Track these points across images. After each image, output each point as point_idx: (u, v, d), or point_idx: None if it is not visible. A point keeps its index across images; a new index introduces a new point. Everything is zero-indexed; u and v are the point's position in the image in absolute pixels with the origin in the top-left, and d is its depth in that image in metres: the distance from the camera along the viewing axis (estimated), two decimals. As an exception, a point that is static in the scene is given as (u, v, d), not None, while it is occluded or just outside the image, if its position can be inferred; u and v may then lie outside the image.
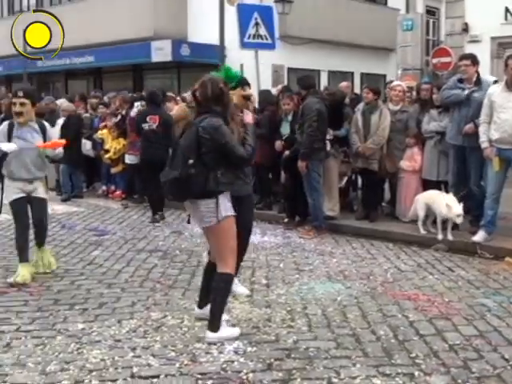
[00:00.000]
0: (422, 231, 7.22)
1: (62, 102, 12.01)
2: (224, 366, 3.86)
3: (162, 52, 17.59)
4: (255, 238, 7.44)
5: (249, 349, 4.11)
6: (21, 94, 5.60)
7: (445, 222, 6.94)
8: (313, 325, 4.57)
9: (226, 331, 4.29)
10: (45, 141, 5.74)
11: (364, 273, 5.98)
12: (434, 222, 7.13)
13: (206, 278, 4.61)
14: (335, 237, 7.54)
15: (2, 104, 13.65)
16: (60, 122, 10.80)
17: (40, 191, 5.81)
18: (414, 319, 4.68)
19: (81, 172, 10.98)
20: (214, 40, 14.53)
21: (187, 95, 9.54)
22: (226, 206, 4.25)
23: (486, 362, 3.94)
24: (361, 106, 8.31)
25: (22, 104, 5.59)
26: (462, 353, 4.07)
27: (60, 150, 5.92)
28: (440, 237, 6.94)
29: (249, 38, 11.52)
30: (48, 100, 12.55)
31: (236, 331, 4.36)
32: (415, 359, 3.97)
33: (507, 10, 14.42)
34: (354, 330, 4.47)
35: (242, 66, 14.59)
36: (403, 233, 7.37)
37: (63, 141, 5.99)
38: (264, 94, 9.59)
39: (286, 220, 8.22)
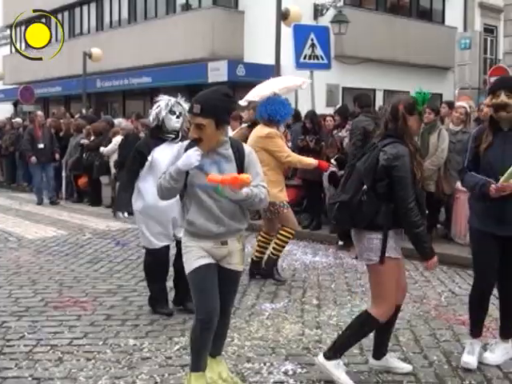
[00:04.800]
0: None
1: (121, 121, 12.30)
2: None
3: (217, 72, 17.83)
4: (306, 257, 7.43)
5: (299, 370, 4.07)
6: (197, 109, 3.39)
7: None
8: (364, 348, 4.48)
9: (337, 370, 3.85)
10: (240, 172, 3.48)
11: (417, 296, 5.86)
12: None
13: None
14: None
15: (63, 124, 14.17)
16: (118, 139, 11.07)
17: (235, 259, 3.62)
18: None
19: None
20: (269, 60, 14.64)
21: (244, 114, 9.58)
22: (391, 245, 3.77)
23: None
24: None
25: (198, 126, 3.42)
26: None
27: (256, 194, 3.49)
28: None
29: (304, 58, 11.56)
30: (105, 119, 12.94)
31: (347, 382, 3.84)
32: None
33: None
34: (406, 354, 4.37)
35: (296, 85, 14.68)
36: (458, 255, 7.19)
37: (247, 177, 3.34)
38: (311, 115, 9.49)
39: (340, 243, 8.07)
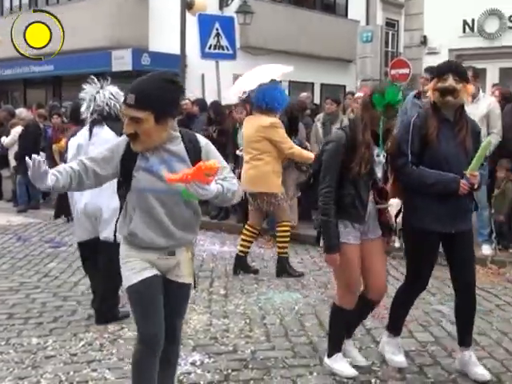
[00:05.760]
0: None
1: (22, 111, 11.83)
2: (181, 377, 3.82)
3: (122, 61, 17.48)
4: (214, 248, 7.46)
5: (206, 360, 4.10)
6: (131, 100, 2.82)
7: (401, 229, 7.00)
8: (271, 334, 4.58)
9: (337, 364, 3.91)
10: None
11: (322, 281, 6.04)
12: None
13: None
14: (294, 246, 7.53)
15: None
16: (18, 130, 10.66)
17: (185, 270, 3.06)
18: (371, 326, 4.73)
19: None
20: (175, 50, 14.49)
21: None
22: (341, 230, 3.71)
23: (441, 367, 4.02)
24: (321, 116, 8.39)
25: (134, 120, 2.84)
26: (418, 359, 4.14)
27: (228, 188, 2.89)
28: (397, 244, 6.98)
29: (209, 48, 11.56)
30: (6, 109, 12.38)
31: (350, 372, 3.87)
32: (372, 366, 4.01)
33: (465, 22, 14.75)
34: (311, 338, 4.50)
35: (203, 75, 14.63)
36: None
37: (216, 164, 2.72)
38: (214, 105, 9.52)
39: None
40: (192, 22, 12.33)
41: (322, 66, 20.02)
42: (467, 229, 3.86)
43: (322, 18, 20.72)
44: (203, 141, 3.02)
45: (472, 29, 14.50)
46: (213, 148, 3.04)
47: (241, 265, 6.33)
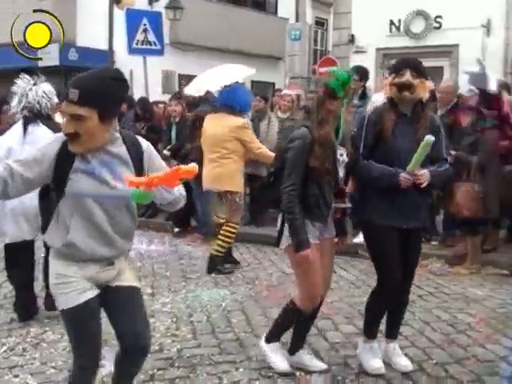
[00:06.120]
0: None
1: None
2: (105, 379, 3.75)
3: (48, 56, 16.93)
4: (141, 246, 7.37)
5: (130, 360, 4.03)
6: (74, 96, 2.60)
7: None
8: (197, 332, 4.57)
9: (275, 355, 3.91)
10: (140, 173, 2.76)
11: (249, 277, 6.08)
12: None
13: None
14: (224, 243, 7.58)
15: None
16: None
17: (125, 276, 2.89)
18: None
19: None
20: (103, 45, 14.26)
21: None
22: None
23: (364, 358, 4.10)
24: (249, 113, 8.42)
25: (75, 118, 2.63)
26: (343, 350, 4.23)
27: (181, 192, 2.82)
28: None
29: (136, 43, 11.43)
30: None
31: (284, 367, 3.87)
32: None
33: (392, 22, 15.12)
34: (238, 334, 4.52)
35: (131, 72, 14.42)
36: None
37: (193, 167, 2.58)
38: (142, 102, 9.42)
39: (176, 230, 8.15)
40: (120, 17, 12.15)
41: (251, 63, 19.81)
42: (420, 227, 3.85)
43: (252, 16, 20.80)
44: (144, 144, 2.87)
45: (398, 28, 14.87)
46: (154, 150, 2.91)
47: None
